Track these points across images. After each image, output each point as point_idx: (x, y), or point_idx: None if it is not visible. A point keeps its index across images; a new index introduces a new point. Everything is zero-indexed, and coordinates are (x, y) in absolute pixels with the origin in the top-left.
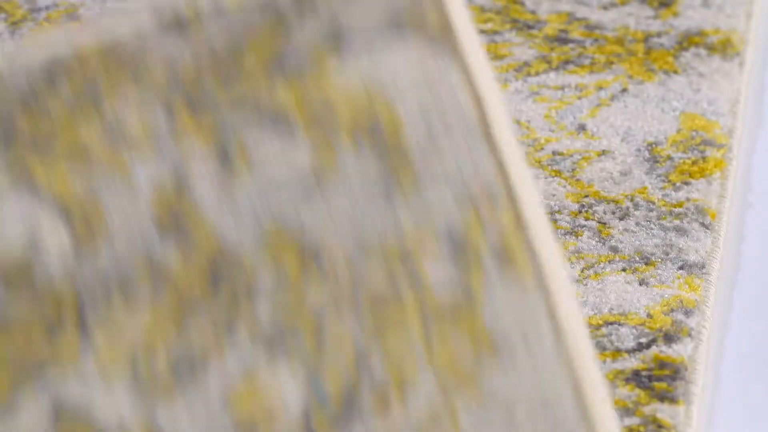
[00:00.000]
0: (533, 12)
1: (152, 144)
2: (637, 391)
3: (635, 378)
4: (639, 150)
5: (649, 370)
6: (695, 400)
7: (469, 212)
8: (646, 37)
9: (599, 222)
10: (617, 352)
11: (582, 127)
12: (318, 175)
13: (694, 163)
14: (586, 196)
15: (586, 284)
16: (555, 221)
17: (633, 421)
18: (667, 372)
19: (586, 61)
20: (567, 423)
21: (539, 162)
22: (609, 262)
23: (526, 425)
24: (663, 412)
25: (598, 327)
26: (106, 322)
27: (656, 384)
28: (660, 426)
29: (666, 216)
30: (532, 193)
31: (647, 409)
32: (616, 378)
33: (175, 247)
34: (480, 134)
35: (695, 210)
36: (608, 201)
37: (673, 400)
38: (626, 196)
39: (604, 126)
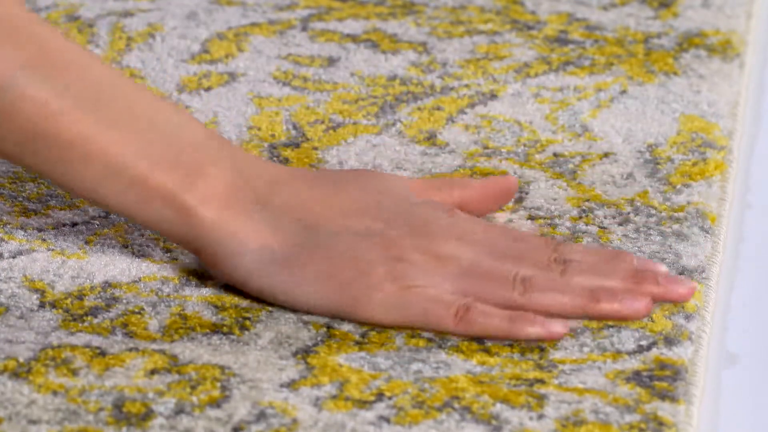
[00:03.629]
0: (533, 12)
1: None
2: (638, 389)
3: (636, 377)
4: (640, 152)
5: (650, 370)
6: (695, 401)
7: None
8: (646, 38)
9: (599, 227)
10: (618, 354)
11: (582, 129)
12: None
13: (694, 164)
14: (587, 200)
15: None
16: (555, 226)
17: (634, 418)
18: (667, 373)
19: (586, 63)
20: None
21: (540, 164)
22: None
23: None
24: (664, 410)
25: (599, 330)
26: None
27: (657, 383)
28: (661, 423)
29: (666, 221)
30: None
31: (648, 407)
32: (616, 377)
33: None
34: None
35: (695, 214)
36: (609, 205)
37: (673, 399)
38: (627, 200)
39: (604, 128)
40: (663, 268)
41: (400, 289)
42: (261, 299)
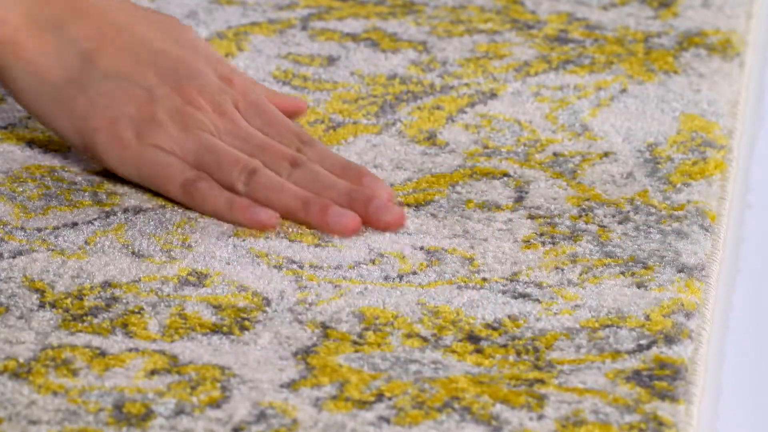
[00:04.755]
0: (533, 12)
1: None
2: (638, 389)
3: (636, 377)
4: (640, 151)
5: (650, 369)
6: (695, 400)
7: None
8: (646, 38)
9: (599, 225)
10: (617, 353)
11: (582, 128)
12: None
13: (694, 164)
14: (587, 200)
15: (584, 288)
16: (554, 225)
17: (634, 418)
18: (667, 372)
19: (586, 61)
20: None
21: (540, 164)
22: (607, 265)
23: None
24: (664, 410)
25: (596, 330)
26: None
27: (657, 383)
28: (661, 423)
29: (666, 219)
30: None
31: (648, 407)
32: (616, 377)
33: None
34: None
35: (695, 212)
36: (609, 204)
37: (673, 399)
38: (627, 199)
39: (604, 127)
40: (383, 192)
41: (140, 146)
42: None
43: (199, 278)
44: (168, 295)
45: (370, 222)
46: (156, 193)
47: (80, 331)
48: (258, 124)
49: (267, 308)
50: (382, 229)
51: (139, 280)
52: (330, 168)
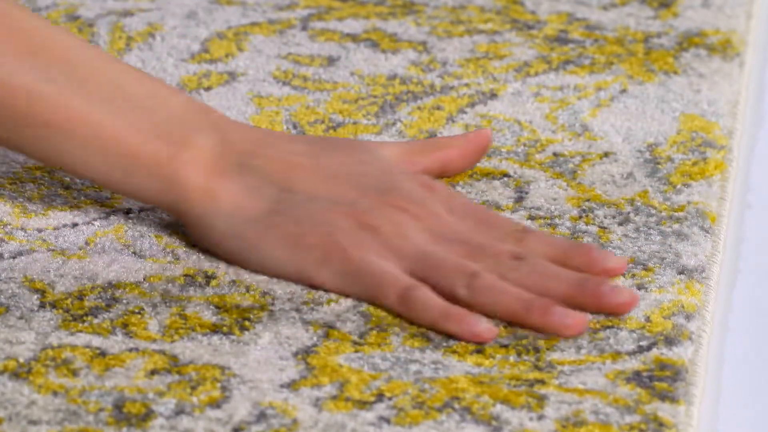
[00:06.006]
0: (533, 12)
1: None
2: (638, 390)
3: (636, 378)
4: (640, 151)
5: (650, 370)
6: (695, 401)
7: None
8: (646, 38)
9: (599, 227)
10: (617, 354)
11: (582, 128)
12: None
13: (694, 164)
14: (587, 200)
15: None
16: (555, 226)
17: (634, 418)
18: (667, 373)
19: (586, 62)
20: None
21: (540, 164)
22: None
23: None
24: (664, 411)
25: (596, 331)
26: None
27: (657, 384)
28: (661, 424)
29: (666, 220)
30: None
31: (648, 408)
32: (616, 378)
33: None
34: None
35: (696, 213)
36: (609, 205)
37: (673, 400)
38: (627, 200)
39: (604, 127)
40: (615, 264)
41: (359, 256)
42: (234, 263)
43: (206, 278)
44: (172, 296)
45: (603, 308)
46: None
47: (80, 331)
48: (470, 224)
49: (272, 308)
50: (617, 314)
51: (144, 280)
52: (554, 253)
